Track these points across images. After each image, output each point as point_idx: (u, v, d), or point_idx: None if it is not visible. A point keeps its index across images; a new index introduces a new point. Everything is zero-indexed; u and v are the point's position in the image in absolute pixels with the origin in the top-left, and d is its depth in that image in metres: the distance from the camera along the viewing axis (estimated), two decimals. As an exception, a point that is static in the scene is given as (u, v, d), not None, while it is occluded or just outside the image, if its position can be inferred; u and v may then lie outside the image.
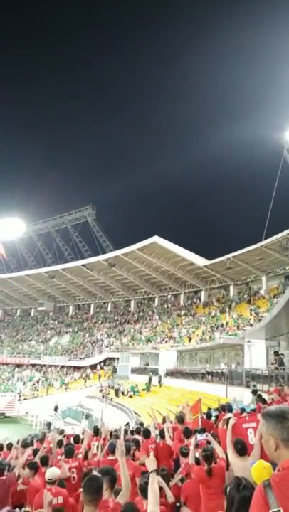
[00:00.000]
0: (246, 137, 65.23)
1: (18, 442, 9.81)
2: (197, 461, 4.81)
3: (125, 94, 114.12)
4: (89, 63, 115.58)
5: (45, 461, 6.21)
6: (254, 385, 15.68)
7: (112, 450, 6.10)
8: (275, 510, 1.60)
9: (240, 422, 5.26)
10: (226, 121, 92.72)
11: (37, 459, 6.41)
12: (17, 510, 4.25)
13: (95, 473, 5.11)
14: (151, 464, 2.95)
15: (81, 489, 3.38)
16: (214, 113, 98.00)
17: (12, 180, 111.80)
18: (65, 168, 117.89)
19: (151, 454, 3.42)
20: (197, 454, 4.96)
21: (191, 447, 5.25)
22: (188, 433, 6.48)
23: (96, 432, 9.38)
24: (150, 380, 30.57)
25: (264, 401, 8.53)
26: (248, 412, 6.24)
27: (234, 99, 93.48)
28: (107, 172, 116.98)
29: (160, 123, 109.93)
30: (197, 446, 5.35)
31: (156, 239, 39.32)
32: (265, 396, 10.23)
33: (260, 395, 9.64)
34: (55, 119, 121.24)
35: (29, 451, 6.80)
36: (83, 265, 48.52)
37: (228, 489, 3.03)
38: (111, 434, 8.74)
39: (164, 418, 10.16)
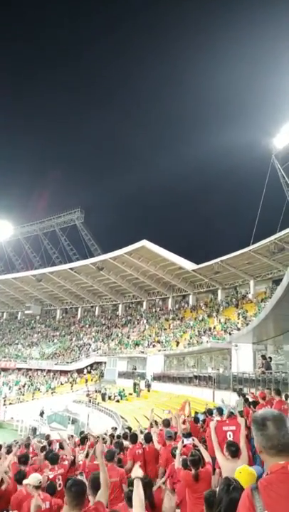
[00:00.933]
0: (236, 142, 65.78)
1: (0, 448, 9.63)
2: (184, 465, 4.75)
3: (113, 97, 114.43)
4: (83, 64, 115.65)
5: (24, 460, 6.09)
6: (240, 388, 15.67)
7: (109, 458, 6.00)
8: None
9: (221, 425, 5.50)
10: (217, 126, 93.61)
11: (21, 465, 6.26)
12: None
13: (80, 477, 5.03)
14: (135, 471, 2.91)
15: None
16: (204, 118, 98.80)
17: (0, 182, 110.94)
18: (54, 171, 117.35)
19: (137, 464, 3.35)
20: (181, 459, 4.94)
21: (177, 451, 5.19)
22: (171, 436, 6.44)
23: (83, 440, 9.25)
24: (135, 385, 30.36)
25: (254, 404, 8.50)
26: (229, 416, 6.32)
27: (225, 104, 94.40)
28: (95, 175, 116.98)
29: (150, 126, 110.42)
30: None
31: (144, 243, 39.31)
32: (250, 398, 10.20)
33: (247, 399, 9.61)
34: (44, 122, 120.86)
35: (11, 456, 6.62)
36: (71, 269, 48.25)
37: (216, 491, 3.01)
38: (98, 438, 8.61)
39: (151, 424, 10.08)
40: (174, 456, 5.47)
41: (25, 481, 4.65)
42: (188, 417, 9.44)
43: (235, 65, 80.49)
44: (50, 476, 5.43)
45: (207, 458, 4.75)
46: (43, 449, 8.63)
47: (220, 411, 8.40)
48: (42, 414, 31.09)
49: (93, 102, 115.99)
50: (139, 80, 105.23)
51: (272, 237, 29.06)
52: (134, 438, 7.12)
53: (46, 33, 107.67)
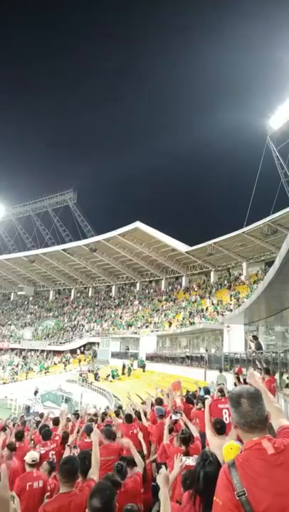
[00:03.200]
0: (232, 124, 65.14)
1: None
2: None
3: (109, 79, 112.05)
4: (80, 44, 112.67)
5: (20, 436, 6.16)
6: (220, 368, 16.13)
7: (88, 432, 6.07)
8: (240, 490, 1.59)
9: (216, 402, 5.64)
10: (212, 108, 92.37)
11: (13, 438, 6.34)
12: None
13: (74, 451, 5.09)
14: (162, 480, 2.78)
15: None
16: (200, 100, 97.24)
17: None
18: (46, 151, 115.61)
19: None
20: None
21: (165, 426, 5.28)
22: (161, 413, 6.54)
23: (76, 416, 9.38)
24: (124, 367, 30.68)
25: (246, 382, 8.64)
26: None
27: (221, 86, 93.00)
28: (89, 156, 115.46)
29: (146, 108, 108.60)
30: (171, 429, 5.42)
31: (138, 224, 39.15)
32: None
33: (238, 378, 9.79)
34: (36, 100, 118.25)
35: (3, 435, 6.71)
36: (64, 250, 48.05)
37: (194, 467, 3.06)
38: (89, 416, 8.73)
39: (143, 402, 10.23)
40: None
41: (26, 458, 4.68)
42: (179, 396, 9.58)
43: (230, 46, 78.84)
44: (42, 452, 5.50)
45: (195, 433, 4.83)
46: (37, 424, 8.76)
47: (207, 391, 8.51)
48: (36, 393, 31.45)
49: (89, 83, 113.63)
50: (135, 62, 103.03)
51: (265, 219, 29.06)
52: (129, 418, 7.21)
53: (43, 16, 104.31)
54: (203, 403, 5.67)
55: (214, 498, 1.70)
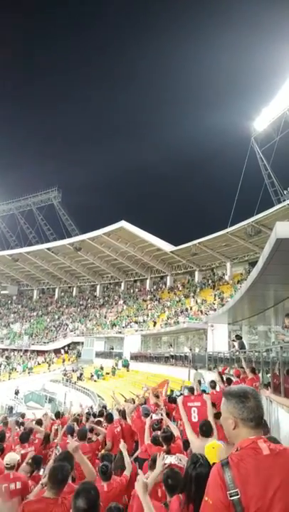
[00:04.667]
0: (217, 126, 65.57)
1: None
2: (154, 442, 4.83)
3: (95, 72, 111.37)
4: (72, 39, 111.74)
5: (1, 438, 6.10)
6: (196, 366, 16.43)
7: (70, 432, 6.04)
8: (233, 491, 1.57)
9: (186, 400, 5.70)
10: (198, 109, 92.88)
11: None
12: None
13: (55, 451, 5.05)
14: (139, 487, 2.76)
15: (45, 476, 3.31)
16: (185, 101, 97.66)
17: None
18: (30, 148, 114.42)
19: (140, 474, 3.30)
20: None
21: (146, 426, 5.29)
22: (147, 414, 6.54)
23: (57, 415, 9.32)
24: (114, 369, 30.58)
25: (229, 381, 8.74)
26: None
27: (207, 88, 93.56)
28: (74, 154, 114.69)
29: (131, 104, 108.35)
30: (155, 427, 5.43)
31: (123, 224, 39.09)
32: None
33: (222, 377, 9.86)
34: (20, 96, 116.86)
35: None
36: (48, 249, 47.65)
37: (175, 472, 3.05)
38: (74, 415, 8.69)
39: (126, 400, 10.22)
40: (154, 430, 5.56)
41: (4, 460, 4.63)
42: (164, 396, 9.62)
43: (217, 49, 79.43)
44: (22, 453, 5.46)
45: (176, 433, 4.85)
46: (18, 424, 8.69)
47: (191, 391, 8.57)
48: (17, 393, 31.15)
49: (75, 78, 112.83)
50: (123, 62, 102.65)
51: (249, 220, 29.37)
52: (110, 418, 7.20)
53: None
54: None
55: (204, 497, 1.68)
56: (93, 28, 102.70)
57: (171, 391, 12.46)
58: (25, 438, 6.11)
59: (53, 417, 9.60)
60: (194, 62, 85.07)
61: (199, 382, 12.18)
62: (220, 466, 1.67)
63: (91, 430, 6.58)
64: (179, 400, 5.21)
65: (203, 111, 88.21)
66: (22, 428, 7.91)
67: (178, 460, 3.44)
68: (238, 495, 1.56)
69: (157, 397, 8.34)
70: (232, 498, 1.56)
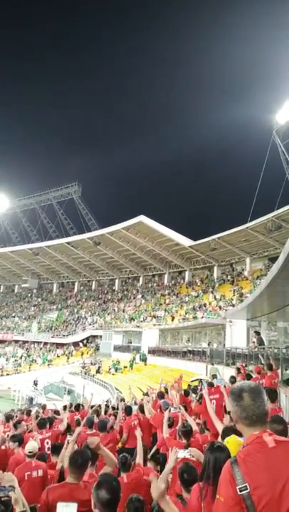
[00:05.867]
0: (238, 119, 64.59)
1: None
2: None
3: (117, 66, 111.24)
4: (85, 31, 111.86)
5: (17, 424, 6.29)
6: (212, 362, 16.19)
7: (89, 425, 6.15)
8: (242, 486, 1.61)
9: (209, 393, 6.06)
10: (219, 102, 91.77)
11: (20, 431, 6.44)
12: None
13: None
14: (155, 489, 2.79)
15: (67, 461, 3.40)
16: (206, 94, 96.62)
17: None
18: (51, 144, 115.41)
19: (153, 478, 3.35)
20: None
21: (165, 420, 5.34)
22: (166, 405, 6.61)
23: (77, 408, 9.51)
24: (131, 362, 30.81)
25: (248, 377, 8.72)
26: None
27: (228, 80, 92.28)
28: (94, 149, 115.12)
29: (151, 101, 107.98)
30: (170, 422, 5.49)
31: (142, 218, 39.10)
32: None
33: (239, 369, 9.87)
34: (41, 91, 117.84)
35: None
36: (68, 243, 48.13)
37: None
38: (92, 408, 8.84)
39: (145, 393, 10.32)
40: (169, 426, 5.62)
41: (20, 450, 4.77)
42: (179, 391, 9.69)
43: (236, 40, 78.06)
44: (40, 438, 5.63)
45: (194, 427, 4.89)
46: (37, 416, 8.91)
47: (211, 384, 8.62)
48: (36, 383, 31.75)
49: (94, 73, 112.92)
50: (142, 52, 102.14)
51: (270, 215, 28.93)
52: (128, 410, 7.30)
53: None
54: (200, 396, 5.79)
55: (216, 495, 1.73)
56: (116, 14, 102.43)
57: (189, 386, 12.50)
58: (42, 424, 6.29)
59: (73, 410, 9.80)
60: (217, 54, 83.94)
61: (215, 376, 12.21)
62: (229, 463, 1.72)
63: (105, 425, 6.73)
64: (205, 393, 5.29)
65: (223, 104, 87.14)
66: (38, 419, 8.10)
67: (190, 455, 3.48)
68: (247, 489, 1.61)
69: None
70: (241, 493, 1.61)
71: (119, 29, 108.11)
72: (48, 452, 5.52)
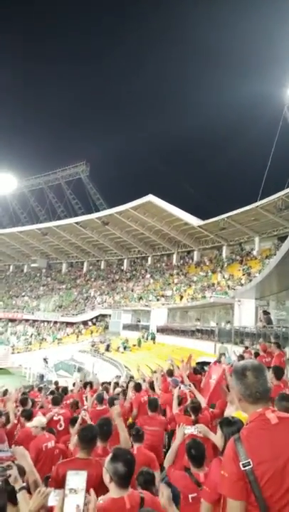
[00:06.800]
0: (248, 96, 63.03)
1: (6, 393, 10.13)
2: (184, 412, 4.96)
3: (124, 44, 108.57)
4: (93, 15, 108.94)
5: (24, 401, 6.45)
6: (224, 342, 16.31)
7: (99, 400, 6.27)
8: (245, 461, 1.65)
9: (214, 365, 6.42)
10: (229, 77, 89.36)
11: (28, 407, 6.60)
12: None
13: (85, 418, 5.29)
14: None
15: (76, 436, 3.48)
16: (217, 70, 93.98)
17: (3, 134, 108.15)
18: (58, 122, 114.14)
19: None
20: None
21: (174, 396, 5.42)
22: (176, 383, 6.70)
23: (85, 384, 9.69)
24: (139, 340, 31.16)
25: (255, 355, 8.79)
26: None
27: (238, 55, 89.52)
28: (102, 128, 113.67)
29: (161, 77, 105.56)
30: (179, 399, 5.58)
31: (150, 198, 38.82)
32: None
33: (247, 347, 9.94)
34: (48, 71, 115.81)
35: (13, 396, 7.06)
36: (76, 223, 48.15)
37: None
38: (102, 385, 9.01)
39: (153, 372, 10.46)
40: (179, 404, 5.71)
41: (29, 424, 4.89)
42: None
43: (245, 13, 75.34)
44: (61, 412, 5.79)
45: (203, 404, 4.96)
46: (52, 393, 9.12)
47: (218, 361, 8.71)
48: (45, 360, 32.43)
49: (102, 53, 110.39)
50: (151, 32, 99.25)
51: (279, 194, 28.49)
52: (138, 387, 7.42)
53: None
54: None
55: (220, 471, 1.78)
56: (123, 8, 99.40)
57: (197, 363, 12.65)
58: (56, 401, 6.43)
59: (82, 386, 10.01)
60: (221, 28, 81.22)
61: (224, 355, 12.34)
62: (232, 440, 1.76)
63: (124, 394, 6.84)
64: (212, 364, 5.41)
65: (233, 80, 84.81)
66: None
67: (197, 431, 3.53)
68: (250, 465, 1.65)
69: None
70: (244, 469, 1.65)
71: (128, 8, 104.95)
72: (60, 428, 5.66)
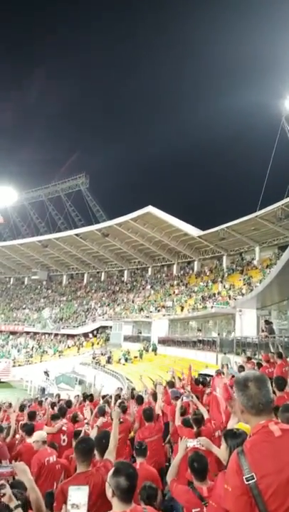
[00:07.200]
0: (246, 105, 63.55)
1: (10, 405, 10.03)
2: (186, 424, 4.90)
3: (122, 53, 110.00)
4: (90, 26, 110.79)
5: (32, 416, 6.38)
6: (226, 352, 16.68)
7: (101, 413, 6.21)
8: (249, 475, 1.63)
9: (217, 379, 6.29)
10: (226, 88, 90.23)
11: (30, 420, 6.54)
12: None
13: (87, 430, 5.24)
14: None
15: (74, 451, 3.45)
16: (214, 80, 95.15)
17: (3, 148, 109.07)
18: (58, 135, 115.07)
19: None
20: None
21: (177, 408, 5.37)
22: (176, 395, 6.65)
23: (85, 397, 9.60)
24: (141, 353, 30.98)
25: (259, 366, 8.71)
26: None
27: (235, 66, 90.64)
28: (101, 140, 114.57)
29: (157, 87, 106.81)
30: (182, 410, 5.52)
31: (150, 209, 38.98)
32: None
33: (249, 357, 9.87)
34: (47, 83, 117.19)
35: (16, 413, 6.97)
36: (76, 234, 48.27)
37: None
38: (103, 398, 8.93)
39: (155, 384, 10.38)
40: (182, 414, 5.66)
41: (30, 440, 4.83)
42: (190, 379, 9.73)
43: (244, 24, 76.59)
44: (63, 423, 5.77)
45: (206, 415, 4.91)
46: (53, 405, 9.03)
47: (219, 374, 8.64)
48: (47, 374, 32.19)
49: (100, 66, 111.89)
50: (146, 42, 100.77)
51: (279, 203, 28.60)
52: (140, 399, 7.35)
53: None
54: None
55: (224, 484, 1.76)
56: (126, 13, 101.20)
57: (199, 374, 12.55)
58: (58, 415, 6.39)
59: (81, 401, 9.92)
60: (219, 38, 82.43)
61: (227, 366, 12.25)
62: (236, 453, 1.73)
63: (124, 411, 6.73)
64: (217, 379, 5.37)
65: (231, 91, 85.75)
66: (56, 408, 8.20)
67: (200, 444, 3.50)
68: (253, 479, 1.62)
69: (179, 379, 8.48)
70: (248, 483, 1.62)
71: (123, 15, 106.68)
72: (63, 444, 5.61)
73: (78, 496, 1.80)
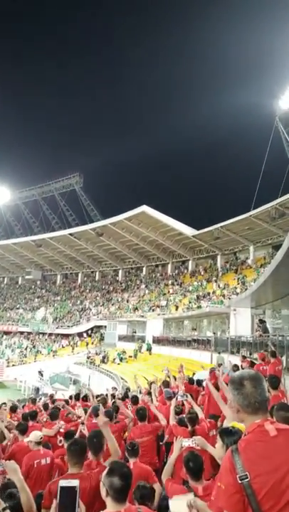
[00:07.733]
0: (240, 105, 63.79)
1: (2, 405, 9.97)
2: (180, 423, 4.89)
3: (115, 61, 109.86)
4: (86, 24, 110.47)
5: (33, 416, 6.33)
6: (221, 351, 16.81)
7: (95, 413, 6.16)
8: (242, 474, 1.62)
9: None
10: (220, 88, 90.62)
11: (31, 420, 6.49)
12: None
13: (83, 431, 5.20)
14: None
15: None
16: (207, 80, 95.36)
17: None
18: (52, 135, 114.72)
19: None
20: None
21: (171, 408, 5.36)
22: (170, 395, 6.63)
23: (77, 396, 9.55)
24: (136, 352, 30.97)
25: (252, 364, 8.74)
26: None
27: (229, 66, 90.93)
28: (95, 140, 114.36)
29: (152, 90, 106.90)
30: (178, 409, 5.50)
31: (144, 208, 38.95)
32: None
33: (244, 356, 9.88)
34: (42, 83, 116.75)
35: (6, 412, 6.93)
36: (71, 234, 48.12)
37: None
38: (97, 397, 8.89)
39: (150, 383, 10.36)
40: (176, 414, 5.64)
41: (26, 439, 4.79)
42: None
43: (239, 24, 76.80)
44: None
45: (200, 414, 4.90)
46: (45, 406, 8.95)
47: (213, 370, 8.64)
48: (41, 373, 32.06)
49: (94, 65, 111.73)
50: (141, 42, 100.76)
51: (273, 203, 28.71)
52: (135, 399, 7.31)
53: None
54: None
55: (217, 482, 1.75)
56: (110, 11, 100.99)
57: (194, 374, 12.55)
58: (54, 416, 6.35)
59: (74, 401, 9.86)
60: (213, 38, 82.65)
61: (220, 365, 12.27)
62: (230, 452, 1.72)
63: (117, 411, 6.70)
64: (208, 380, 5.32)
65: (225, 91, 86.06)
66: (50, 409, 8.14)
67: (195, 443, 3.48)
68: (247, 478, 1.60)
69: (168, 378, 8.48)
70: (241, 482, 1.61)
71: (117, 15, 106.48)
72: (60, 444, 5.57)
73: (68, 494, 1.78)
